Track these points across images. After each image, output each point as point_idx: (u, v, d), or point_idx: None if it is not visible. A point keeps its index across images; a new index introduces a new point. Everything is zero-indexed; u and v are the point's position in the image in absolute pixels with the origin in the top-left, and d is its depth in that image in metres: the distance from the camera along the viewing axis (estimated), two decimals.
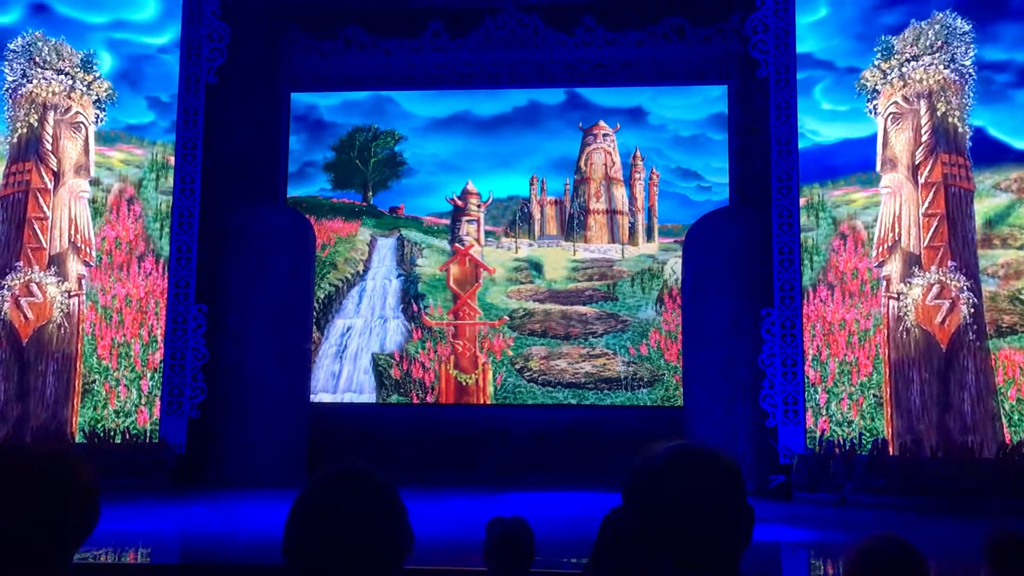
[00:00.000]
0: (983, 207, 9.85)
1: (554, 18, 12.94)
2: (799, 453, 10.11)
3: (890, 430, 9.88)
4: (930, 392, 9.64)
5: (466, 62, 13.17)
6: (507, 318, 13.05)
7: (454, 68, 13.22)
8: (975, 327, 9.50)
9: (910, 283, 9.87)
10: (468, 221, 13.39)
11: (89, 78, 11.20)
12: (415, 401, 12.87)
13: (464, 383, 12.92)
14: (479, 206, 13.39)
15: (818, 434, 10.16)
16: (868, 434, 9.95)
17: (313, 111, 13.80)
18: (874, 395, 10.06)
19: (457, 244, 13.33)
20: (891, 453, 9.74)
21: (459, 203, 13.40)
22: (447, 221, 13.44)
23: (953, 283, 9.64)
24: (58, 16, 11.34)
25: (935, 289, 9.71)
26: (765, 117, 10.91)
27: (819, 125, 10.88)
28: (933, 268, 9.75)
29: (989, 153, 9.96)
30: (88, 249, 10.97)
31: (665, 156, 13.40)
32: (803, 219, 10.60)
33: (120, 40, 11.44)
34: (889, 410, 9.92)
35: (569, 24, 12.96)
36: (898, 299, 9.96)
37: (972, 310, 9.53)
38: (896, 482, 9.43)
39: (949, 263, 9.70)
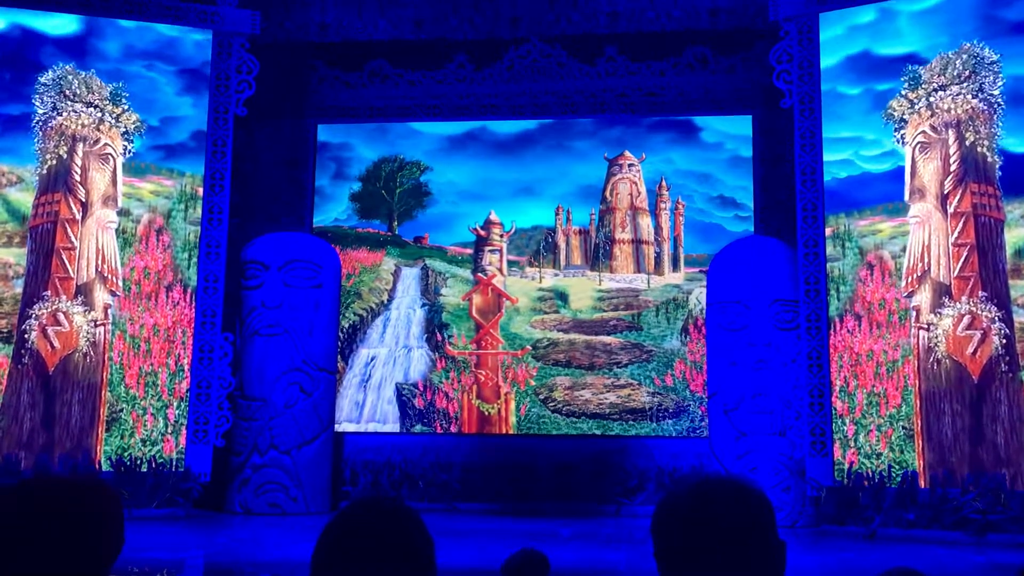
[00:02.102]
0: (1013, 237, 9.73)
1: (577, 49, 13.04)
2: (827, 485, 9.98)
3: (921, 463, 9.73)
4: (962, 424, 9.49)
5: (490, 93, 13.26)
6: (529, 348, 13.01)
7: (478, 99, 13.31)
8: (1007, 358, 9.35)
9: (940, 313, 9.76)
10: (491, 251, 13.40)
11: (118, 110, 11.34)
12: (439, 431, 12.83)
13: (487, 413, 12.87)
14: (502, 236, 13.41)
15: (846, 466, 10.03)
16: (898, 466, 9.81)
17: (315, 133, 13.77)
18: (903, 427, 9.92)
19: (480, 274, 13.34)
20: (922, 486, 9.58)
21: (482, 233, 13.42)
22: (471, 251, 13.46)
23: (984, 313, 9.51)
24: None
25: (966, 320, 9.58)
26: (790, 147, 10.88)
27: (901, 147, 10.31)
28: (964, 298, 9.62)
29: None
30: (115, 279, 11.06)
31: (711, 181, 13.06)
32: (829, 249, 10.53)
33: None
34: (920, 442, 9.77)
35: (592, 55, 13.04)
36: (928, 330, 9.84)
37: (1004, 341, 9.39)
38: (927, 516, 9.28)
39: (980, 293, 9.57)
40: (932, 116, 10.11)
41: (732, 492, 1.66)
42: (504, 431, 12.82)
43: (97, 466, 10.50)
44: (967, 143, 9.88)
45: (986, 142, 9.82)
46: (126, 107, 11.37)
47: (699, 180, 13.19)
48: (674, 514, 1.67)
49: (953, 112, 10.00)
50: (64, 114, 11.17)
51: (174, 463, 10.71)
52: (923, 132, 10.16)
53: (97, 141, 11.25)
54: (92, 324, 10.86)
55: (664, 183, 13.27)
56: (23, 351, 10.65)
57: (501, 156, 13.59)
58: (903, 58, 10.38)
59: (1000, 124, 9.81)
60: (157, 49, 11.58)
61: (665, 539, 1.67)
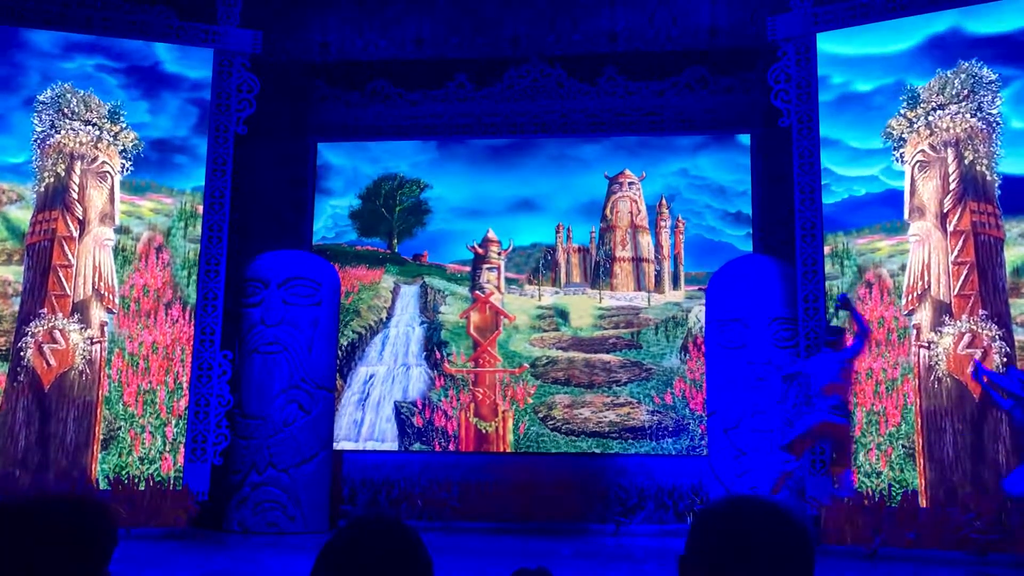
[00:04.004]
0: (1012, 255, 9.74)
1: (577, 69, 13.08)
2: (827, 504, 9.93)
3: (922, 481, 9.71)
4: (963, 443, 9.47)
5: (490, 112, 13.29)
6: (527, 366, 12.99)
7: (478, 118, 13.34)
8: None
9: (941, 332, 9.76)
10: (489, 269, 13.40)
11: (116, 129, 11.36)
12: (437, 449, 12.79)
13: (484, 431, 12.84)
14: (499, 254, 13.41)
15: None
16: (898, 485, 9.78)
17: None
18: (903, 446, 9.90)
19: (478, 292, 13.33)
20: (922, 505, 9.55)
21: (479, 251, 13.42)
22: (469, 269, 13.45)
23: (985, 332, 9.51)
24: None
25: (966, 338, 9.58)
26: (789, 166, 10.90)
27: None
28: (964, 317, 9.63)
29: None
30: (111, 296, 11.04)
31: (726, 195, 12.93)
32: (828, 267, 10.53)
33: None
34: (921, 461, 9.75)
35: (592, 74, 13.08)
36: (929, 348, 9.84)
37: (1004, 359, 9.39)
38: (927, 535, 9.24)
39: (980, 312, 9.58)
40: (931, 135, 10.15)
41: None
42: (502, 449, 12.78)
43: (94, 484, 10.46)
44: (966, 162, 9.91)
45: (985, 161, 9.85)
46: (124, 125, 11.40)
47: (714, 194, 13.12)
48: (709, 527, 1.65)
49: (952, 131, 10.03)
50: (63, 132, 11.19)
51: (172, 481, 10.66)
52: (922, 151, 10.19)
53: (95, 159, 11.27)
54: (88, 342, 10.84)
55: (664, 201, 13.28)
56: (19, 368, 10.62)
57: (502, 168, 13.54)
58: (1006, 37, 9.83)
59: (999, 143, 9.84)
60: (94, 40, 11.32)
61: (700, 553, 1.64)
